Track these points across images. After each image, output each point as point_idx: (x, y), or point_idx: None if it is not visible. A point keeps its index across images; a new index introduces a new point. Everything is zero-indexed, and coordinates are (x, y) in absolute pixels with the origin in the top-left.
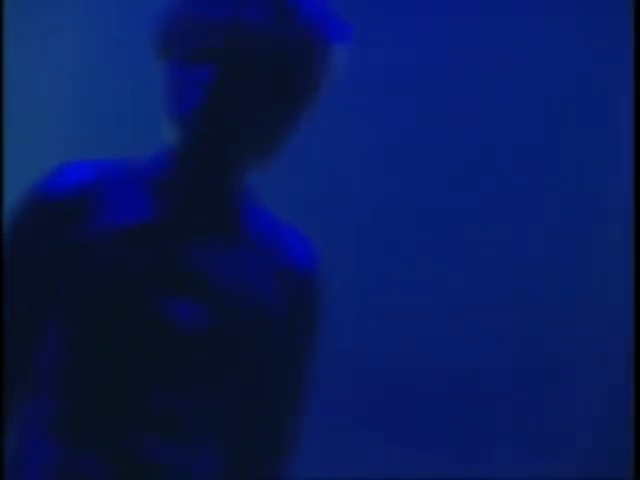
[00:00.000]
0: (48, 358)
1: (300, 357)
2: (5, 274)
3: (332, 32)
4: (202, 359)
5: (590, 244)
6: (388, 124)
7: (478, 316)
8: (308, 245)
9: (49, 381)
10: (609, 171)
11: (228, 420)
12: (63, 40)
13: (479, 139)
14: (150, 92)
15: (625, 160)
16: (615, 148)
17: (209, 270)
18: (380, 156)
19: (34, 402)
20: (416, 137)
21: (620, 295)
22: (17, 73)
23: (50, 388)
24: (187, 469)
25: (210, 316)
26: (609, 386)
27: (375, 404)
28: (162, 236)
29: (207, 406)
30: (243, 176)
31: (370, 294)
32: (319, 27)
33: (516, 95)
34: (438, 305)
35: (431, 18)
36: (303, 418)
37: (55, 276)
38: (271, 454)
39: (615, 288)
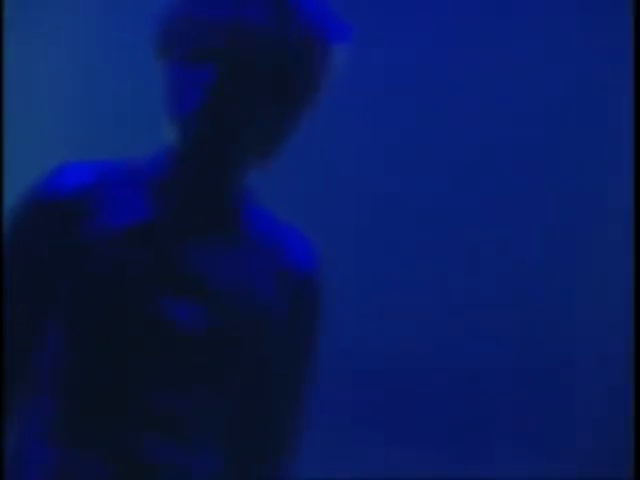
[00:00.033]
0: (48, 358)
1: (300, 357)
2: (5, 274)
3: (332, 32)
4: (202, 359)
5: (590, 244)
6: (388, 124)
7: (478, 316)
8: (308, 245)
9: (49, 381)
10: (609, 171)
11: (228, 420)
12: (63, 40)
13: (479, 139)
14: (150, 92)
15: (625, 160)
16: (615, 148)
17: (209, 270)
18: (380, 156)
19: (34, 402)
20: (416, 137)
21: (620, 295)
22: (17, 73)
23: (50, 388)
24: (187, 469)
25: (210, 316)
26: (609, 386)
27: (375, 404)
28: (162, 236)
29: (207, 406)
30: (243, 176)
31: (370, 294)
32: (319, 27)
33: (516, 95)
34: (438, 305)
35: (431, 18)
36: (303, 418)
37: (55, 276)
38: (271, 454)
39: (615, 288)
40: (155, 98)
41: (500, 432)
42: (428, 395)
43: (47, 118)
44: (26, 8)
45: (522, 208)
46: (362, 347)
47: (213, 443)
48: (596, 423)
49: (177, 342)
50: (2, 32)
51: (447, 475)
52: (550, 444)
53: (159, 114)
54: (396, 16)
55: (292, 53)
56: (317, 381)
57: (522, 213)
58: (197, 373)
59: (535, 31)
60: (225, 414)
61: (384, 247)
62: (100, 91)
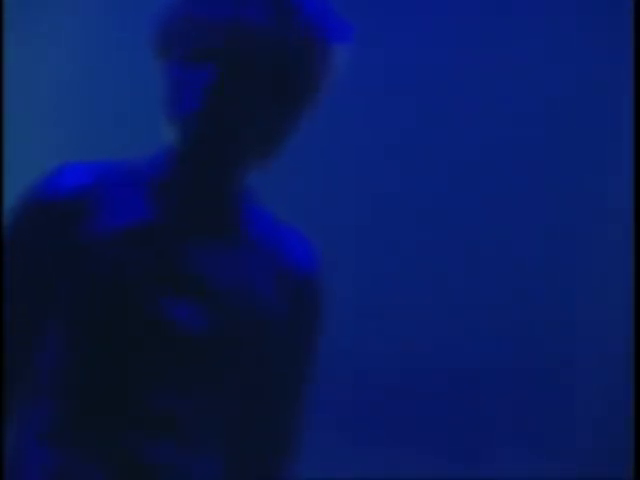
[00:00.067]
0: (48, 358)
1: (300, 357)
2: (5, 274)
3: (332, 32)
4: (202, 359)
5: (590, 244)
6: (388, 124)
7: (478, 316)
8: (308, 245)
9: (49, 381)
10: (609, 171)
11: (228, 420)
12: (63, 40)
13: (479, 139)
14: (150, 92)
15: (625, 160)
16: (615, 148)
17: (209, 270)
18: (380, 156)
19: (34, 402)
20: (416, 137)
21: (620, 295)
22: (17, 73)
23: (50, 388)
24: (187, 469)
25: (210, 316)
26: (609, 386)
27: (375, 404)
28: (162, 236)
29: (207, 406)
30: (243, 176)
31: (370, 294)
32: (319, 27)
33: (516, 95)
34: (438, 305)
35: (431, 18)
36: (303, 418)
37: (55, 276)
38: (271, 454)
39: (615, 288)
40: (155, 98)
41: (500, 432)
42: (428, 395)
43: (47, 118)
44: (26, 8)
45: (522, 208)
46: (362, 347)
47: (213, 443)
48: (596, 423)
49: (177, 342)
50: (2, 32)
51: (447, 475)
52: (550, 444)
53: (159, 114)
54: (396, 16)
55: (292, 53)
56: (317, 381)
57: (522, 213)
58: (197, 373)
59: (535, 31)
60: (225, 414)
61: (384, 247)
62: (100, 91)
